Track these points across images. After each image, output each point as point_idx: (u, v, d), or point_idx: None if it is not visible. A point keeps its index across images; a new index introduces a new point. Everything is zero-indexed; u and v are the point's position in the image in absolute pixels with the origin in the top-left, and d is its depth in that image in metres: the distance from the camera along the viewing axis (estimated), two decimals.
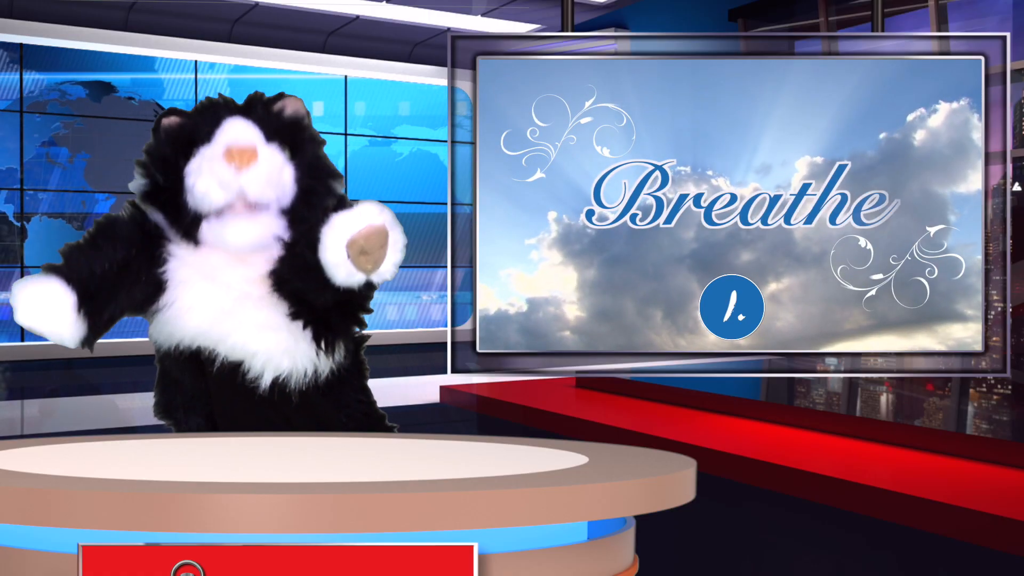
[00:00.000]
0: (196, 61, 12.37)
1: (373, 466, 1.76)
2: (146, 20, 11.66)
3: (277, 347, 2.29)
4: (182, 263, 2.31)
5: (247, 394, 2.29)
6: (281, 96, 2.41)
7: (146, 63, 12.20)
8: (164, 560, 1.32)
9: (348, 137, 13.29)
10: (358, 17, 11.91)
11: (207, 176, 2.25)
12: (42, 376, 10.48)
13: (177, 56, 12.20)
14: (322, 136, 2.46)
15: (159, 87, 12.35)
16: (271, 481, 1.51)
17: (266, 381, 2.29)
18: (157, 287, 2.30)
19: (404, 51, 13.17)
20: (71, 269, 2.23)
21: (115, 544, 1.33)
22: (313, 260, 2.25)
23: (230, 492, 1.35)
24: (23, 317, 2.20)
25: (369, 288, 2.33)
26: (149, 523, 1.32)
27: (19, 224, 11.54)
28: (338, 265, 2.23)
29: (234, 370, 2.28)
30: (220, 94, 2.42)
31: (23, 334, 11.27)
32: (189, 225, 2.29)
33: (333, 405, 2.39)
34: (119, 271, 2.26)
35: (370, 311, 2.43)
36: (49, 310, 2.19)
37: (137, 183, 2.36)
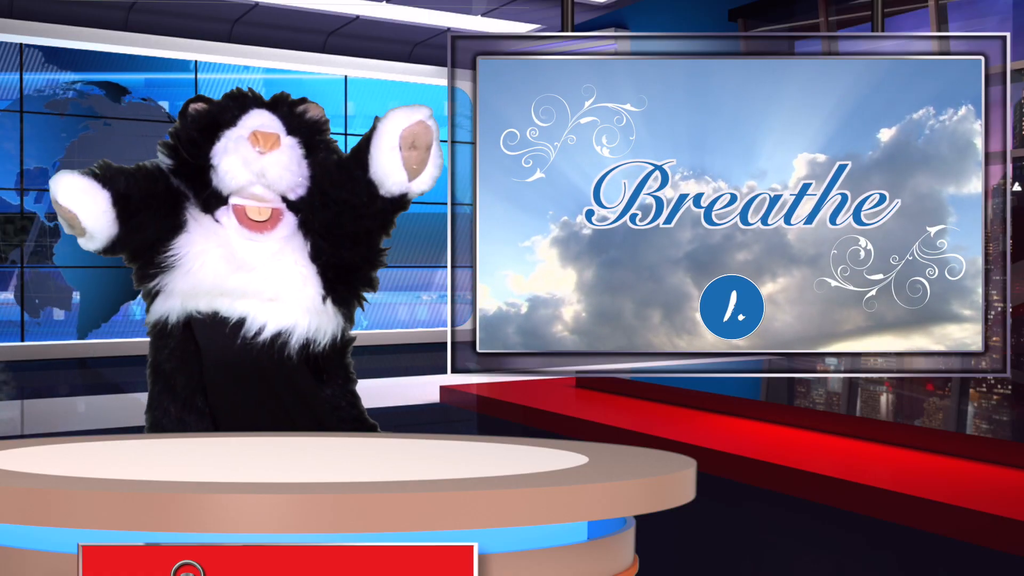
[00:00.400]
0: (196, 61, 12.38)
1: (373, 466, 1.76)
2: (146, 20, 11.66)
3: (285, 290, 2.34)
4: (199, 221, 2.42)
5: (244, 359, 2.31)
6: (304, 100, 2.57)
7: (146, 63, 12.20)
8: (164, 560, 1.32)
9: (348, 137, 13.30)
10: (358, 17, 11.91)
11: (232, 155, 2.36)
12: (42, 376, 10.48)
13: (177, 56, 12.21)
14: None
15: (159, 87, 12.35)
16: (271, 481, 1.51)
17: (267, 334, 2.31)
18: (177, 224, 2.40)
19: (404, 51, 13.16)
20: (106, 176, 2.34)
21: (115, 544, 1.33)
22: (359, 173, 2.39)
23: (230, 492, 1.35)
24: (63, 198, 2.28)
25: (400, 206, 2.44)
26: (149, 523, 1.32)
27: (33, 222, 11.53)
28: (389, 152, 2.35)
29: (234, 333, 2.31)
30: (250, 88, 2.55)
31: (23, 334, 11.27)
32: (211, 201, 2.40)
33: (326, 403, 2.39)
34: (148, 195, 2.37)
35: (383, 261, 2.51)
36: (87, 197, 2.29)
37: (161, 161, 2.47)
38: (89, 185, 2.31)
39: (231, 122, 2.42)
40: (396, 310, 13.16)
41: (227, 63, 12.51)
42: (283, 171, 2.38)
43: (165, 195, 2.40)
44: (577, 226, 3.25)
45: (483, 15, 11.67)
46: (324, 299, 2.38)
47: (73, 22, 11.41)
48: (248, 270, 2.35)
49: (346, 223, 2.41)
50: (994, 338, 3.28)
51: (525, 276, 3.26)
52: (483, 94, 3.24)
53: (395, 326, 13.06)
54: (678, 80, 3.26)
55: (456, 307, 3.29)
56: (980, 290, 3.25)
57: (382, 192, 2.40)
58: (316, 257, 2.39)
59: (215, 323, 2.32)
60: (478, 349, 3.25)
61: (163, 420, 2.40)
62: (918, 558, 4.13)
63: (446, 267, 3.31)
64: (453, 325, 3.27)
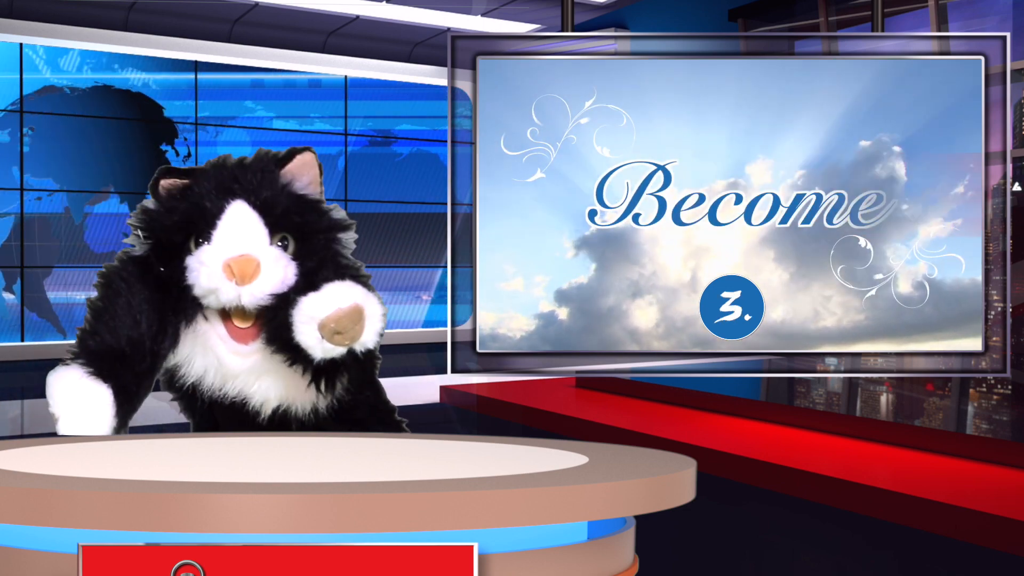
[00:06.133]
0: (196, 61, 12.38)
1: (373, 466, 1.76)
2: (146, 20, 11.66)
3: (276, 390, 2.28)
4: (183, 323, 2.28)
5: (251, 419, 2.30)
6: (292, 154, 2.30)
7: (146, 63, 12.21)
8: (164, 560, 1.32)
9: (348, 137, 13.29)
10: (358, 17, 11.91)
11: (205, 284, 2.19)
12: (42, 376, 10.45)
13: (177, 56, 12.21)
14: (329, 201, 2.35)
15: (159, 87, 12.36)
16: (271, 481, 1.51)
17: (266, 414, 2.30)
18: (173, 347, 2.28)
19: (404, 51, 13.17)
20: (103, 367, 2.18)
21: (115, 544, 1.33)
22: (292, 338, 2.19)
23: (230, 492, 1.35)
24: (65, 428, 2.14)
25: (355, 355, 2.25)
26: (149, 523, 1.32)
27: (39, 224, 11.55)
28: (312, 347, 2.17)
29: (234, 401, 2.29)
30: (225, 157, 2.31)
31: (23, 334, 11.27)
32: (190, 306, 2.24)
33: (342, 410, 2.38)
34: (151, 359, 2.23)
35: (374, 361, 2.38)
36: (91, 419, 2.15)
37: (137, 247, 2.29)
38: (91, 404, 2.14)
39: (205, 231, 2.19)
40: (396, 310, 13.16)
41: (227, 63, 12.52)
42: (264, 298, 2.18)
43: (162, 336, 2.23)
44: (578, 226, 3.25)
45: (483, 15, 11.68)
46: (317, 392, 2.29)
47: (73, 22, 11.42)
48: (238, 362, 2.25)
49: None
50: (994, 338, 3.28)
51: (526, 276, 3.26)
52: (483, 94, 3.24)
53: (395, 326, 13.06)
54: (678, 80, 3.26)
55: (456, 307, 3.29)
56: (980, 290, 3.25)
57: (318, 359, 2.21)
58: (293, 364, 2.22)
59: (216, 394, 2.29)
60: (478, 349, 3.25)
61: (181, 385, 2.40)
62: (918, 558, 4.13)
63: (446, 267, 3.31)
64: (453, 325, 3.27)
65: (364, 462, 1.79)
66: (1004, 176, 3.33)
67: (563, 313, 3.27)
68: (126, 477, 1.52)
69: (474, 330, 3.25)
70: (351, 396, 2.36)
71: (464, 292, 3.27)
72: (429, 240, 13.52)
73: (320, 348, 2.17)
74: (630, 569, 1.63)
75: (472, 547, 1.36)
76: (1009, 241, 3.32)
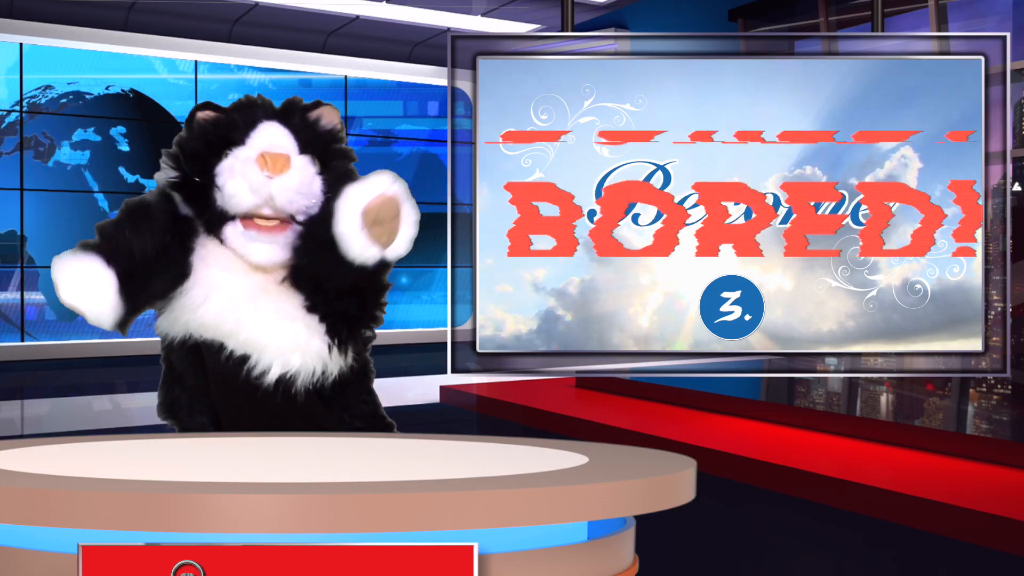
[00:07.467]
0: (196, 61, 12.38)
1: (373, 466, 1.76)
2: (146, 20, 11.66)
3: (289, 341, 2.28)
4: (207, 253, 2.32)
5: (250, 392, 2.28)
6: (318, 104, 2.43)
7: (146, 63, 12.21)
8: (164, 560, 1.32)
9: (348, 137, 13.27)
10: (358, 17, 11.91)
11: (239, 179, 2.27)
12: (42, 376, 10.47)
13: (177, 56, 12.21)
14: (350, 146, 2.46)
15: (159, 87, 12.36)
16: (271, 481, 1.51)
17: (272, 376, 2.28)
18: (183, 274, 2.31)
19: (404, 51, 13.17)
20: (111, 248, 2.24)
21: (115, 544, 1.33)
22: (327, 237, 2.25)
23: (230, 492, 1.35)
24: (66, 296, 2.20)
25: (383, 268, 2.32)
26: (149, 523, 1.32)
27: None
28: (352, 236, 2.23)
29: (239, 366, 2.27)
30: (260, 95, 2.42)
31: (23, 334, 11.27)
32: (214, 222, 2.30)
33: (338, 409, 2.38)
34: (156, 256, 2.27)
35: (384, 302, 2.41)
36: (92, 290, 2.20)
37: (165, 174, 2.36)
38: (94, 274, 2.20)
39: (239, 139, 2.31)
40: (395, 310, 13.16)
41: (227, 63, 12.52)
42: (293, 195, 2.28)
43: (172, 246, 2.29)
44: (578, 225, 3.25)
45: (483, 15, 11.68)
46: (329, 348, 2.31)
47: (73, 22, 11.42)
48: (254, 306, 2.28)
49: (324, 285, 2.31)
50: (994, 338, 3.29)
51: (525, 275, 3.26)
52: (483, 94, 3.24)
53: (395, 326, 13.06)
54: (678, 80, 3.26)
55: (456, 307, 3.29)
56: (981, 289, 3.25)
57: (357, 265, 2.27)
58: (312, 309, 2.29)
59: (222, 355, 2.28)
60: (478, 349, 3.25)
61: (175, 405, 2.40)
62: (918, 558, 4.13)
63: (446, 267, 3.31)
64: (453, 325, 3.27)
65: (364, 462, 1.80)
66: (1004, 176, 3.33)
67: (563, 313, 3.27)
68: (126, 477, 1.52)
69: (474, 330, 3.25)
70: (356, 366, 2.37)
71: (464, 292, 3.27)
72: (429, 240, 13.52)
73: (359, 241, 2.22)
74: (630, 569, 1.63)
75: (472, 547, 1.36)
76: (1009, 241, 3.32)
